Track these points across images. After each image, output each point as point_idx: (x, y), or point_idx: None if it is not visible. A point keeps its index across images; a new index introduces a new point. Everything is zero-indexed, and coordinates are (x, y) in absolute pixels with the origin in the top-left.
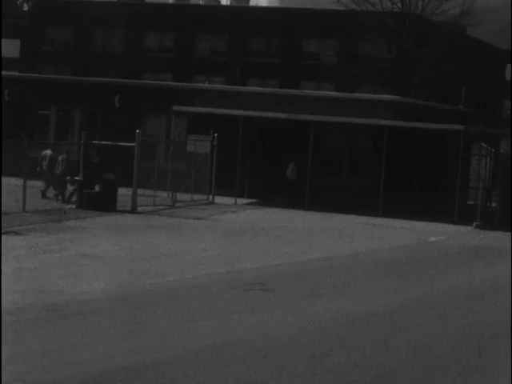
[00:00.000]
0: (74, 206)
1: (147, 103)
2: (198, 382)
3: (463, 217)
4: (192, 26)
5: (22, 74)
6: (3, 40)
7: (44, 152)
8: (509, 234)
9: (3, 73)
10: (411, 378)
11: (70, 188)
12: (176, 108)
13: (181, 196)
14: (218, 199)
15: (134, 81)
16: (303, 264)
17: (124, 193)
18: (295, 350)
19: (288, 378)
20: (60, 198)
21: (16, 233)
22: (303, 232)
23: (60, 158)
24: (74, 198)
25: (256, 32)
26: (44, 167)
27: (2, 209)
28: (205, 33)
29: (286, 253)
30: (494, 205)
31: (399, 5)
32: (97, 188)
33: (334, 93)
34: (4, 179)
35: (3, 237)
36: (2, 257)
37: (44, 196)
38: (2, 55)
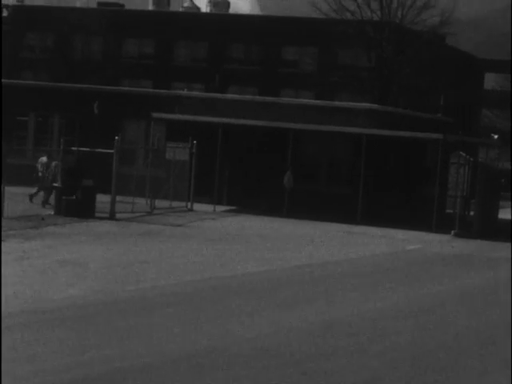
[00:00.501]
0: (53, 212)
1: (126, 110)
2: None
3: (441, 225)
4: (171, 33)
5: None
6: None
7: (40, 159)
8: (486, 242)
9: None
10: None
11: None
12: (155, 115)
13: (159, 203)
14: (197, 206)
15: (114, 87)
16: (281, 272)
17: (102, 199)
18: (273, 358)
19: None
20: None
21: None
22: (281, 240)
23: (53, 164)
24: (48, 203)
25: (235, 39)
26: (39, 174)
27: None
28: (184, 40)
29: (263, 260)
30: (472, 213)
31: (379, 13)
32: (77, 194)
33: (313, 101)
34: None
35: None
36: None
37: (31, 201)
38: None
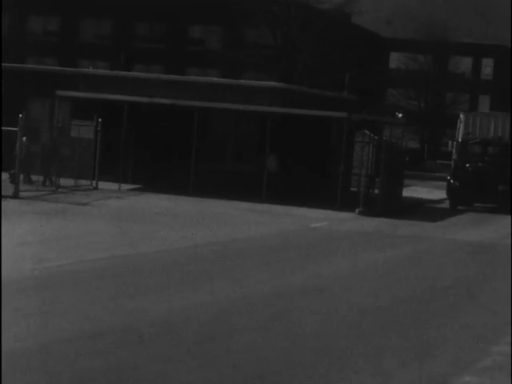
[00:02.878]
0: None
1: (31, 87)
2: (71, 369)
3: (346, 203)
4: (76, 9)
5: None
6: None
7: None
8: (390, 220)
9: None
10: (292, 362)
11: None
12: (60, 93)
13: (64, 181)
14: (102, 185)
15: (18, 65)
16: (184, 250)
17: (7, 177)
18: (177, 336)
19: (169, 363)
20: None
21: None
22: (186, 218)
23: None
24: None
25: (141, 17)
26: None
27: None
28: (89, 17)
29: (167, 239)
30: (376, 191)
31: None
32: None
33: (219, 79)
34: None
35: None
36: None
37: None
38: None
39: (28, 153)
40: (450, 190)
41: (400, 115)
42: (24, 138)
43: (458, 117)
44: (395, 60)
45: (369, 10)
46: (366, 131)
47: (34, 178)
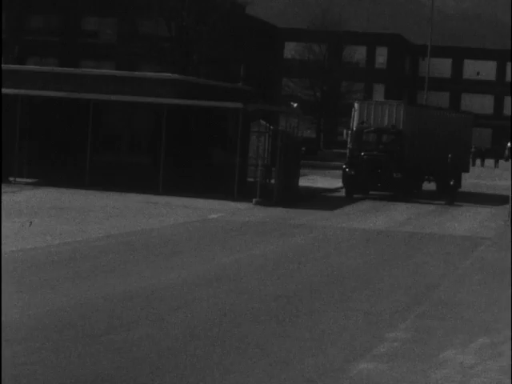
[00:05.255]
0: None
1: None
2: None
3: (243, 194)
4: None
5: None
6: None
7: None
8: (287, 209)
9: None
10: (188, 353)
11: None
12: None
13: None
14: None
15: None
16: (80, 243)
17: None
18: (72, 330)
19: (65, 359)
20: None
21: None
22: (82, 211)
23: None
24: None
25: (34, 9)
26: None
27: None
28: None
29: (63, 232)
30: (272, 181)
31: None
32: None
33: (113, 71)
34: None
35: None
36: None
37: None
38: None
39: None
40: (346, 179)
41: (295, 105)
42: None
43: (353, 106)
44: (290, 50)
45: (263, 0)
46: (262, 121)
47: None
